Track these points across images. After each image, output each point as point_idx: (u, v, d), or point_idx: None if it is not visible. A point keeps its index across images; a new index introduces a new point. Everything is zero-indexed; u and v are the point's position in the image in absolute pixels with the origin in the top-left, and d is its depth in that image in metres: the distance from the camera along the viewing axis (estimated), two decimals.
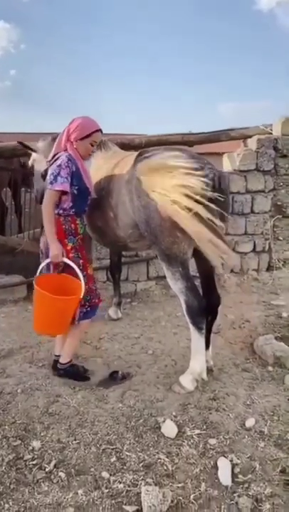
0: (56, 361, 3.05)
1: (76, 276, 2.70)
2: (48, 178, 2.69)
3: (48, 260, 2.71)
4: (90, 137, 2.81)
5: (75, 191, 2.77)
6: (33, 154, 4.11)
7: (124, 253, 4.50)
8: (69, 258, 2.73)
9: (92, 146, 2.86)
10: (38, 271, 2.74)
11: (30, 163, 4.21)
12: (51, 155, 2.89)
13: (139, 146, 4.94)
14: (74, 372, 2.94)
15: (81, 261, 2.84)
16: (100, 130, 2.86)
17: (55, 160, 2.74)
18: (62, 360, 2.92)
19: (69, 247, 2.80)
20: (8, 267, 5.17)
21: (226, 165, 5.61)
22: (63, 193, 2.73)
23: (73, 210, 2.83)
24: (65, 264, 2.70)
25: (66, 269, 2.73)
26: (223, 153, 5.85)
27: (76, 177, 2.75)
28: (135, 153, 3.18)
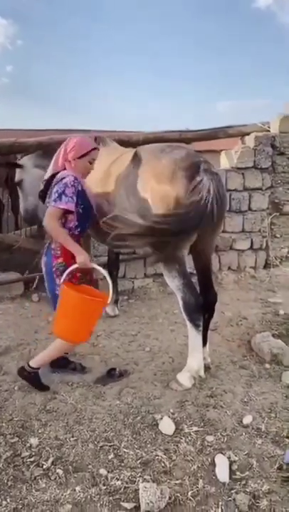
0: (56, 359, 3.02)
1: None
2: (52, 195, 2.64)
3: (74, 266, 2.66)
4: (88, 155, 2.78)
5: (81, 210, 2.75)
6: (18, 170, 4.11)
7: (121, 250, 4.49)
8: (77, 278, 2.75)
9: (90, 163, 2.84)
10: (62, 279, 2.64)
11: (16, 179, 4.20)
12: (48, 174, 2.85)
13: (137, 143, 4.92)
14: (36, 380, 2.77)
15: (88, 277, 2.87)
16: (97, 148, 2.85)
17: (61, 179, 2.66)
18: (32, 364, 2.79)
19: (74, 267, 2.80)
20: (5, 263, 5.16)
21: (224, 162, 5.61)
22: (68, 212, 2.69)
23: (78, 229, 2.81)
24: (81, 276, 2.75)
25: (82, 281, 2.77)
26: (221, 150, 5.84)
27: (81, 196, 2.73)
28: (132, 150, 3.18)
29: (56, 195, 2.63)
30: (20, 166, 4.15)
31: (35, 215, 4.19)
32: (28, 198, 4.20)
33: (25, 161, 4.15)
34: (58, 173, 2.77)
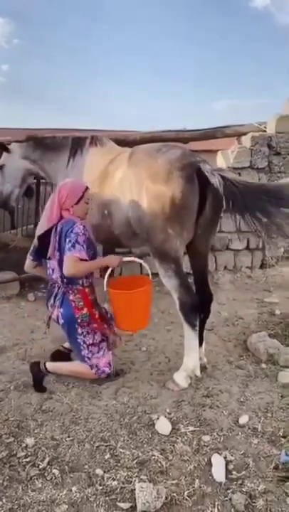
0: (58, 353, 3.12)
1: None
2: (66, 245, 2.62)
3: (109, 270, 2.76)
4: (84, 197, 2.78)
5: (91, 255, 2.76)
6: (4, 155, 4.08)
7: (117, 250, 4.48)
8: (100, 325, 2.81)
9: (87, 204, 2.83)
10: (105, 284, 2.75)
11: (0, 162, 4.16)
12: (42, 229, 2.76)
13: (134, 143, 4.90)
14: (40, 381, 2.80)
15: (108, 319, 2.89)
16: (88, 187, 2.83)
17: (70, 230, 2.63)
18: (48, 366, 2.86)
19: (97, 316, 2.81)
20: (1, 263, 5.14)
21: (220, 162, 5.61)
22: (80, 259, 2.68)
23: (92, 276, 2.85)
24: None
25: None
26: (217, 150, 5.84)
27: (91, 242, 2.76)
28: (129, 150, 3.17)
29: (70, 244, 2.61)
30: (7, 150, 4.10)
31: (8, 201, 4.23)
32: (5, 184, 4.18)
33: (16, 148, 4.09)
34: (54, 226, 2.71)
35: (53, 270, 2.79)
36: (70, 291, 2.75)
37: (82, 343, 2.78)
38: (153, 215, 2.68)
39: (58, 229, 2.69)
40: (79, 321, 2.75)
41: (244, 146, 5.42)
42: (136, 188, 2.79)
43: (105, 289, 2.76)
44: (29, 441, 2.27)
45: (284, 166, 5.47)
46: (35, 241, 2.85)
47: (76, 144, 3.73)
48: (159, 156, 2.75)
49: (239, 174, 5.30)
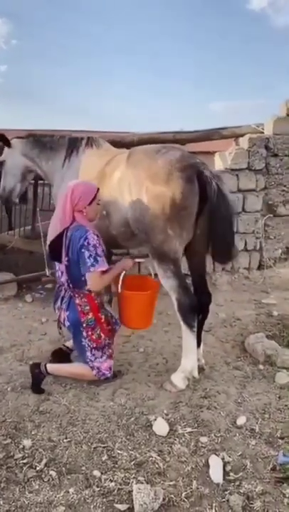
0: (60, 351, 3.14)
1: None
2: (87, 260, 2.60)
3: (123, 274, 2.83)
4: (96, 198, 2.76)
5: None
6: (6, 150, 4.06)
7: (114, 251, 4.48)
8: (104, 329, 2.80)
9: (98, 205, 2.82)
10: (120, 287, 2.82)
11: (1, 158, 4.14)
12: (57, 229, 2.71)
13: (131, 144, 4.91)
14: (38, 382, 2.80)
15: (113, 322, 2.93)
16: (99, 188, 2.81)
17: (86, 241, 2.60)
18: (48, 367, 2.84)
19: (103, 320, 2.80)
20: None
21: (218, 164, 5.61)
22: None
23: None
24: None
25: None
26: (215, 152, 5.85)
27: (103, 249, 2.74)
28: (126, 151, 3.17)
29: (92, 259, 2.59)
30: (9, 145, 4.07)
31: (10, 197, 4.17)
32: (7, 178, 4.15)
33: (17, 144, 4.07)
34: (67, 228, 2.69)
35: (61, 273, 2.80)
36: (77, 295, 2.75)
37: (86, 346, 2.77)
38: (153, 215, 2.68)
39: (68, 234, 2.68)
40: (84, 325, 2.75)
41: (242, 147, 5.42)
42: (135, 188, 2.79)
43: (120, 290, 2.81)
44: (26, 442, 2.26)
45: (281, 168, 5.47)
46: (47, 245, 2.83)
47: (72, 144, 3.72)
48: (159, 157, 2.76)
49: (237, 176, 5.31)
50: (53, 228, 2.76)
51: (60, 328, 2.98)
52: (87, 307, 2.75)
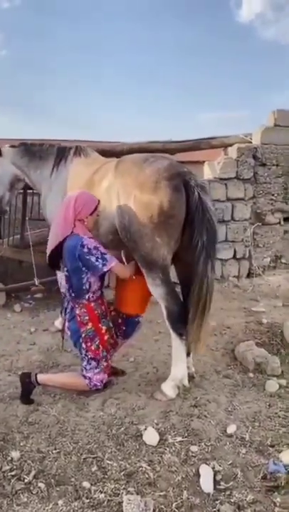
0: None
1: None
2: (96, 263, 2.61)
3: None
4: (97, 209, 2.79)
5: None
6: None
7: None
8: (104, 340, 2.77)
9: (98, 216, 2.85)
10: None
11: None
12: (58, 237, 2.71)
13: (121, 154, 4.93)
14: (28, 392, 2.77)
15: (112, 333, 2.89)
16: (100, 201, 2.83)
17: (85, 248, 2.60)
18: (39, 377, 2.80)
19: (103, 331, 2.78)
20: None
21: (207, 173, 5.66)
22: (93, 274, 2.69)
23: (101, 289, 2.84)
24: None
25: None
26: (204, 161, 5.90)
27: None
28: (115, 160, 3.19)
29: (101, 260, 2.61)
30: (0, 153, 4.07)
31: (0, 204, 4.18)
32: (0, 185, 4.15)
33: (7, 152, 4.06)
34: (66, 238, 2.69)
35: (61, 284, 2.81)
36: (77, 305, 2.74)
37: (84, 355, 2.76)
38: (141, 223, 2.69)
39: (65, 244, 2.68)
40: (83, 335, 2.73)
41: (230, 157, 5.48)
42: (123, 197, 2.80)
43: (134, 277, 2.83)
44: (14, 454, 2.23)
45: (269, 177, 5.54)
46: (47, 255, 2.83)
47: (61, 153, 3.74)
48: (147, 166, 2.78)
49: (225, 185, 5.36)
50: (53, 237, 2.76)
51: (63, 337, 2.96)
52: (86, 317, 2.73)
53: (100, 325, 2.76)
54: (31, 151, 3.94)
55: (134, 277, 2.83)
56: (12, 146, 4.05)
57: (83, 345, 2.74)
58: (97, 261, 2.61)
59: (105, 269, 2.64)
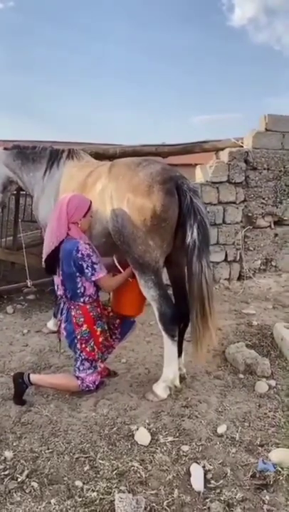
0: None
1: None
2: (86, 270, 2.65)
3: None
4: (90, 211, 2.81)
5: None
6: None
7: None
8: (99, 342, 2.80)
9: (91, 217, 2.87)
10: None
11: None
12: (54, 242, 2.71)
13: (114, 156, 4.98)
14: (20, 392, 2.78)
15: (107, 335, 2.91)
16: (92, 201, 2.85)
17: (79, 253, 2.63)
18: (31, 377, 2.81)
19: (98, 332, 2.80)
20: None
21: (199, 176, 5.72)
22: (86, 279, 2.71)
23: (97, 293, 2.86)
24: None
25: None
26: (196, 164, 5.95)
27: (97, 255, 2.77)
28: (108, 163, 3.22)
29: (90, 269, 2.65)
30: None
31: None
32: None
33: (0, 154, 4.08)
34: (62, 241, 2.71)
35: (57, 286, 2.83)
36: (73, 307, 2.77)
37: (78, 356, 2.78)
38: (134, 226, 2.73)
39: (61, 247, 2.70)
40: (78, 337, 2.75)
41: (222, 160, 5.54)
42: (117, 200, 2.84)
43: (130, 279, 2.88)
44: (8, 454, 2.25)
45: (260, 181, 5.61)
46: (43, 260, 2.84)
47: (53, 156, 3.77)
48: (140, 170, 2.82)
49: (217, 188, 5.41)
50: (48, 242, 2.77)
51: (60, 339, 2.98)
52: (82, 319, 2.75)
53: (94, 327, 2.78)
54: (24, 153, 3.96)
55: (130, 280, 2.87)
56: (5, 149, 4.07)
57: (78, 346, 2.76)
58: (86, 269, 2.65)
59: (93, 279, 2.68)
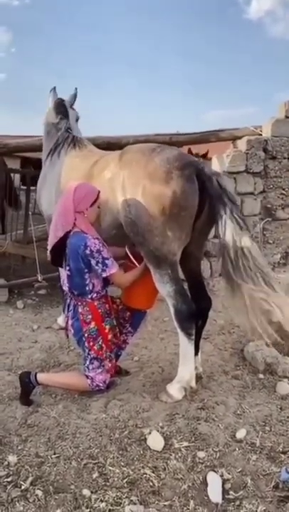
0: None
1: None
2: (96, 267, 2.52)
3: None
4: (97, 201, 2.67)
5: None
6: None
7: None
8: (108, 340, 2.67)
9: (99, 208, 2.72)
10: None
11: None
12: (59, 233, 2.60)
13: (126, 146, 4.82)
14: (27, 392, 2.66)
15: (117, 331, 2.79)
16: (100, 191, 2.71)
17: (87, 249, 2.50)
18: (38, 377, 2.68)
19: (107, 330, 2.67)
20: None
21: (215, 166, 5.51)
22: (95, 276, 2.60)
23: (105, 288, 2.73)
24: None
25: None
26: (210, 158, 5.77)
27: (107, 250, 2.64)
28: (115, 152, 3.05)
29: (101, 265, 2.51)
30: None
31: None
32: None
33: None
34: (69, 232, 2.58)
35: (63, 281, 2.71)
36: (80, 304, 2.64)
37: (87, 354, 2.66)
38: (151, 216, 2.55)
39: (68, 241, 2.58)
40: (86, 335, 2.63)
41: (239, 149, 5.33)
42: (130, 188, 2.66)
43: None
44: (12, 458, 2.12)
45: (280, 171, 5.39)
46: (48, 251, 2.73)
47: (61, 139, 3.64)
48: (156, 155, 2.64)
49: (234, 179, 5.21)
50: (54, 231, 2.65)
51: (68, 336, 2.86)
52: (89, 316, 2.63)
53: (103, 324, 2.65)
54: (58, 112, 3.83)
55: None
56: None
57: (86, 344, 2.64)
58: (96, 265, 2.52)
59: (104, 275, 2.55)
